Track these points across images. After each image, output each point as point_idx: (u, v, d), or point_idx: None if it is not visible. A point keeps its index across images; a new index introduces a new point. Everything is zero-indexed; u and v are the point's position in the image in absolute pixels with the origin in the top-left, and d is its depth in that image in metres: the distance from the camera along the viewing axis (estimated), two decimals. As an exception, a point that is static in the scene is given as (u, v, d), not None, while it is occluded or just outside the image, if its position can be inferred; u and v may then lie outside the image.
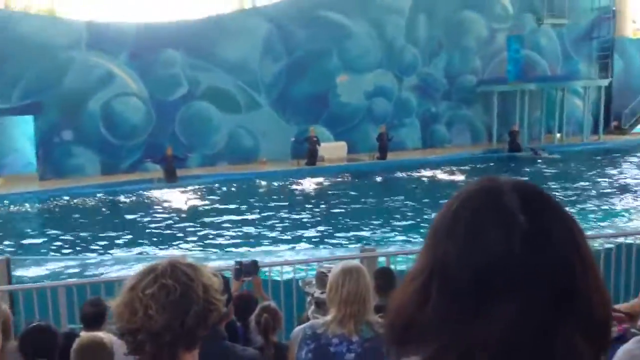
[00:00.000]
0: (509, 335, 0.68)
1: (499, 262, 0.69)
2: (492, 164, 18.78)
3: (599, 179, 16.60)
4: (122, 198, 14.88)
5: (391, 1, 20.06)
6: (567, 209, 0.75)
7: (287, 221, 12.17)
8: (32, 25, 16.48)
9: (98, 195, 15.09)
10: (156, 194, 15.11)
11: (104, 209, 13.98)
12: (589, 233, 8.88)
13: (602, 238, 6.31)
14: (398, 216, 11.92)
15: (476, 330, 0.69)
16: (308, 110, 19.22)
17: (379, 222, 11.51)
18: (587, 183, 15.64)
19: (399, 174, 17.26)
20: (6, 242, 11.37)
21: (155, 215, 13.07)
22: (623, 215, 12.65)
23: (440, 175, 16.76)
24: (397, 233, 10.49)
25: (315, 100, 19.29)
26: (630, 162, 19.30)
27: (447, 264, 0.72)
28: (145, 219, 12.68)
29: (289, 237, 11.03)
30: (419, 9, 20.49)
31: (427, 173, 17.15)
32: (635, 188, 15.58)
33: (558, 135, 21.86)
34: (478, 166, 18.38)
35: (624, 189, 14.70)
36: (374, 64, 20.16)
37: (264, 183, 16.14)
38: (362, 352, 2.72)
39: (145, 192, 15.24)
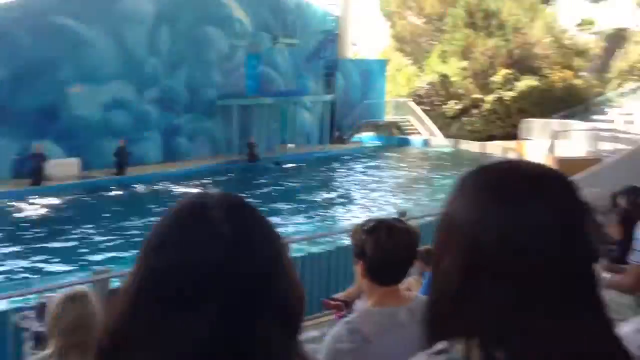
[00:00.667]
0: (212, 335, 0.74)
1: (203, 270, 0.75)
2: (232, 175, 19.55)
3: (328, 184, 18.67)
4: None
5: (131, 11, 20.54)
6: (267, 217, 0.86)
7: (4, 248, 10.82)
8: None
9: None
10: None
11: None
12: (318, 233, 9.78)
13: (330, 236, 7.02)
14: (136, 234, 11.55)
15: (181, 334, 0.74)
16: (34, 124, 18.53)
17: (116, 241, 10.99)
18: (315, 189, 17.47)
19: (139, 190, 16.70)
20: None
21: None
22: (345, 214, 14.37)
23: (182, 188, 16.78)
24: (134, 251, 10.06)
25: (42, 112, 18.65)
26: (350, 166, 22.10)
27: (156, 275, 0.77)
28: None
29: (7, 267, 9.83)
30: (161, 21, 21.57)
31: (168, 187, 16.97)
32: (354, 190, 17.91)
33: (291, 145, 23.96)
34: (219, 178, 18.97)
35: (345, 194, 16.79)
36: (113, 75, 20.32)
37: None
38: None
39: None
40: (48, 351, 2.55)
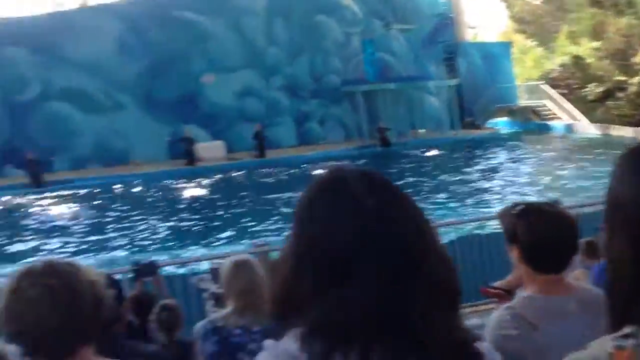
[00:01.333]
0: (369, 304, 0.79)
1: (352, 240, 0.81)
2: (366, 160, 19.57)
3: (465, 169, 17.87)
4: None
5: (245, 3, 22.28)
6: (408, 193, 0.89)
7: (175, 222, 11.96)
8: None
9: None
10: (22, 199, 13.89)
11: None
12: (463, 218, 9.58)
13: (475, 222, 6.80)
14: (285, 211, 12.08)
15: (341, 302, 0.80)
16: (178, 110, 20.82)
17: (267, 218, 11.56)
18: (452, 174, 16.79)
19: (280, 171, 17.39)
20: None
21: (24, 222, 12.09)
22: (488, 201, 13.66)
23: (320, 170, 16.91)
24: (285, 227, 10.65)
25: (183, 100, 20.89)
26: (488, 152, 20.94)
27: (311, 245, 0.83)
28: (15, 227, 11.68)
29: (180, 237, 10.77)
30: (275, 12, 23.07)
31: (307, 169, 17.49)
32: (494, 175, 16.96)
33: (422, 130, 23.26)
34: (355, 162, 19.01)
35: (484, 181, 15.91)
36: (239, 65, 22.12)
37: (142, 185, 15.62)
38: (265, 340, 2.74)
39: (11, 198, 13.91)
40: (228, 309, 2.81)
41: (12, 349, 2.84)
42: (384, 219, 0.81)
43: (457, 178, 16.64)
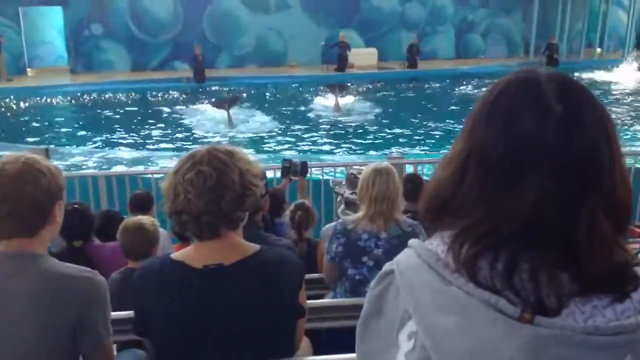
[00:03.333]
0: (536, 209, 0.77)
1: (533, 145, 0.78)
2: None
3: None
4: (151, 96, 15.00)
5: None
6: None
7: (315, 127, 12.31)
8: None
9: (128, 91, 15.18)
10: (186, 93, 15.21)
11: (134, 106, 14.22)
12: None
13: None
14: (428, 126, 11.89)
15: (506, 206, 0.78)
16: (339, 13, 21.05)
17: (409, 131, 11.51)
18: (626, 104, 15.13)
19: (430, 84, 16.96)
20: (42, 134, 11.77)
21: (185, 114, 13.27)
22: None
23: (472, 87, 16.34)
24: (426, 143, 10.51)
25: (347, 2, 20.91)
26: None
27: (484, 147, 0.81)
28: (176, 117, 12.88)
29: (318, 142, 11.16)
30: None
31: (459, 84, 16.76)
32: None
33: (598, 50, 20.91)
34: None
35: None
36: None
37: (293, 87, 16.08)
38: (390, 248, 2.89)
39: (174, 91, 15.33)
40: (359, 214, 2.92)
41: (164, 233, 3.26)
42: (570, 127, 0.78)
43: (630, 108, 15.00)
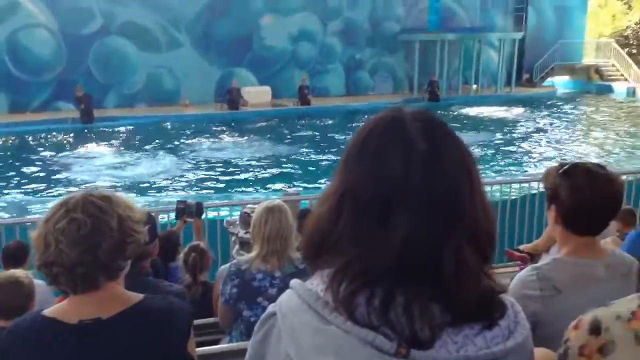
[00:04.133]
0: (406, 246, 0.79)
1: (399, 183, 0.81)
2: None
3: (510, 129, 17.49)
4: (32, 139, 14.15)
5: None
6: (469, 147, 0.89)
7: (210, 165, 12.17)
8: None
9: (6, 135, 14.20)
10: (70, 135, 14.46)
11: (13, 150, 13.26)
12: (499, 179, 9.53)
13: (514, 183, 6.67)
14: (323, 161, 12.13)
15: (376, 246, 0.80)
16: (232, 51, 21.23)
17: (304, 167, 11.69)
18: (499, 134, 16.48)
19: (323, 121, 17.40)
20: None
21: (70, 157, 12.64)
22: (530, 163, 13.44)
23: (363, 122, 16.80)
24: (322, 177, 10.71)
25: (239, 41, 21.20)
26: (540, 113, 20.38)
27: (356, 186, 0.84)
28: (60, 161, 12.24)
29: (213, 180, 11.03)
30: None
31: (350, 120, 17.39)
32: (541, 137, 16.59)
33: (474, 86, 22.68)
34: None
35: (531, 142, 15.60)
36: (299, 6, 22.14)
37: (185, 126, 15.86)
38: (284, 286, 2.89)
39: (58, 133, 14.53)
40: (252, 254, 2.90)
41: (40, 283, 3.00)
42: (433, 164, 0.81)
43: (502, 138, 16.32)
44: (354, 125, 18.22)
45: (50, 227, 1.48)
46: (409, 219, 0.79)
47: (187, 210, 4.47)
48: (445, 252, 0.80)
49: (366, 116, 18.90)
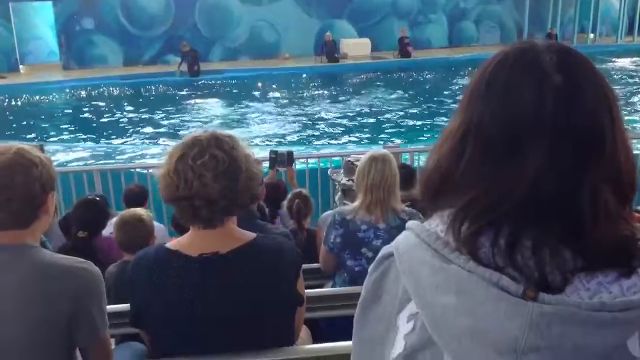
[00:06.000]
0: (537, 182, 0.74)
1: (531, 117, 0.76)
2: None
3: (633, 82, 16.05)
4: (144, 90, 14.97)
5: None
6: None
7: (311, 118, 12.31)
8: None
9: (121, 86, 15.13)
10: (178, 87, 15.15)
11: (126, 101, 14.15)
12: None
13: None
14: (424, 115, 11.89)
15: (505, 180, 0.76)
16: (331, 3, 20.90)
17: (405, 121, 11.51)
18: (618, 88, 15.22)
19: (424, 74, 16.91)
20: (36, 131, 11.73)
21: (177, 108, 13.22)
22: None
23: (467, 75, 16.31)
24: (422, 131, 10.51)
25: None
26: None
27: (481, 121, 0.79)
28: (171, 112, 12.85)
29: (314, 132, 11.20)
30: None
31: (453, 73, 16.75)
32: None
33: (591, 35, 20.86)
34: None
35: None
36: None
37: (285, 79, 16.03)
38: (389, 238, 2.83)
39: (167, 85, 15.30)
40: (356, 203, 2.88)
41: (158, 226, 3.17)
42: (570, 98, 0.75)
43: (623, 92, 15.03)
44: (456, 77, 17.66)
45: (188, 163, 1.53)
46: (541, 153, 0.74)
47: (279, 160, 4.57)
48: (582, 188, 0.74)
49: (470, 68, 18.31)
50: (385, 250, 0.88)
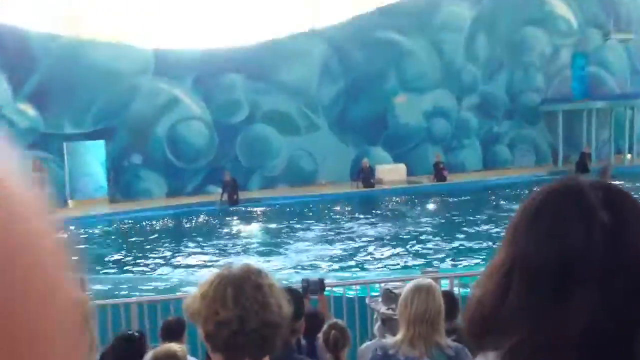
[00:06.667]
0: (586, 326, 0.71)
1: (580, 254, 0.74)
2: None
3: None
4: (186, 220, 15.37)
5: (450, 20, 22.38)
6: None
7: (348, 243, 12.29)
8: (101, 53, 19.28)
9: (164, 217, 15.63)
10: (218, 216, 15.55)
11: (170, 231, 14.50)
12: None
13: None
14: (461, 239, 11.69)
15: (554, 321, 0.73)
16: (367, 131, 21.76)
17: (441, 245, 11.35)
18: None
19: (459, 197, 16.95)
20: (79, 262, 11.87)
21: (219, 236, 13.46)
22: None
23: (502, 198, 16.27)
24: (459, 256, 10.30)
25: (373, 121, 21.73)
26: None
27: (527, 257, 0.78)
28: (210, 241, 13.08)
29: (351, 258, 11.13)
30: (479, 26, 22.97)
31: (489, 196, 16.73)
32: None
33: (629, 156, 20.84)
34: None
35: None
36: (433, 84, 22.47)
37: (323, 205, 16.31)
38: (434, 375, 2.64)
39: (208, 215, 15.70)
40: (398, 337, 2.75)
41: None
42: (618, 236, 0.74)
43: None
44: (492, 200, 17.62)
45: (218, 297, 1.50)
46: (590, 294, 0.72)
47: (311, 288, 4.54)
48: (631, 336, 0.70)
49: (506, 190, 18.30)
50: None
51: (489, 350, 0.80)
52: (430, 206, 17.46)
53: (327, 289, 5.08)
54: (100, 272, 11.69)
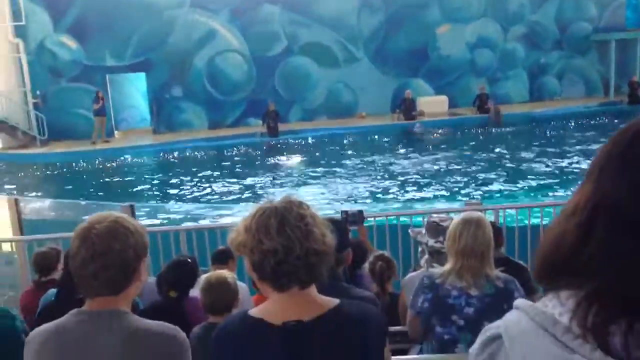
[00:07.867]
0: None
1: None
2: (608, 119, 17.42)
3: None
4: (227, 151, 15.63)
5: None
6: None
7: (390, 175, 12.32)
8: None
9: (207, 148, 15.90)
10: (259, 147, 15.72)
11: (211, 161, 14.79)
12: None
13: None
14: (504, 172, 11.52)
15: (632, 268, 0.69)
16: (407, 63, 21.26)
17: (484, 177, 11.22)
18: None
19: (505, 129, 16.58)
20: (127, 191, 12.42)
21: (259, 168, 13.64)
22: None
23: (550, 129, 15.83)
24: (503, 188, 10.17)
25: (414, 53, 21.21)
26: None
27: (616, 200, 0.73)
28: (250, 172, 13.29)
29: (391, 190, 11.16)
30: None
31: (535, 127, 16.30)
32: None
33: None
34: (592, 122, 17.14)
35: None
36: (477, 14, 21.50)
37: (362, 137, 16.28)
38: (482, 307, 2.67)
39: (249, 146, 15.91)
40: (446, 267, 2.73)
41: (241, 286, 3.17)
42: None
43: None
44: (538, 132, 17.15)
45: (270, 223, 1.53)
46: None
47: (350, 219, 4.54)
48: None
49: (552, 123, 17.75)
50: (491, 331, 0.81)
51: (561, 289, 0.76)
52: (473, 138, 17.12)
53: (368, 218, 5.09)
54: (149, 201, 12.11)
